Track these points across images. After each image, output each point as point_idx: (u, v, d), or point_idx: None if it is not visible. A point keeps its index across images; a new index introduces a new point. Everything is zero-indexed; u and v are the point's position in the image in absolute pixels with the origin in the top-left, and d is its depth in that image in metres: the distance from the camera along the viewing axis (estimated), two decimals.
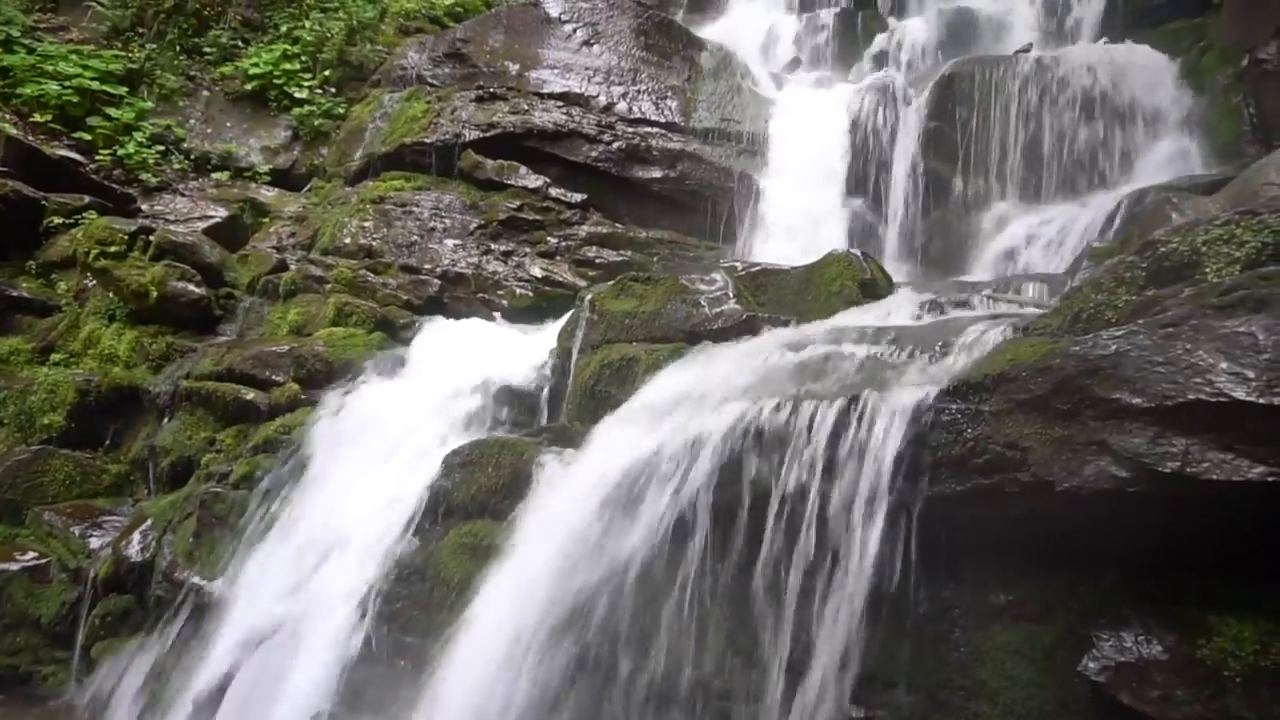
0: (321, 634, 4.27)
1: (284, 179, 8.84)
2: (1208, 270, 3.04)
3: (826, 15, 9.99)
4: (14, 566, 5.52)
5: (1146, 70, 7.08)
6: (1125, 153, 6.82)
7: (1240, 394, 2.52)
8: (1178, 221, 4.38)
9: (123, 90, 8.70)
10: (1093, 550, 2.88)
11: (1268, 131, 6.15)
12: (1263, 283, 2.69)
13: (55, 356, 6.70)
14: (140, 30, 9.50)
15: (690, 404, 3.57)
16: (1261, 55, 6.27)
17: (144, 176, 8.25)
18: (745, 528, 3.22)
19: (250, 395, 5.87)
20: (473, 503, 4.30)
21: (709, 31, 9.54)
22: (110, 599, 5.38)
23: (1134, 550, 2.82)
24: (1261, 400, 2.49)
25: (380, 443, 5.01)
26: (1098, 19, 8.40)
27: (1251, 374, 2.53)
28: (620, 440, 3.66)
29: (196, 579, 5.05)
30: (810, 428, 3.15)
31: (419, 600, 4.21)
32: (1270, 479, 2.46)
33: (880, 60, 9.25)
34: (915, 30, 9.49)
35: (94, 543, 5.67)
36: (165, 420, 6.23)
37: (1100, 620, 2.80)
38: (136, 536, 5.47)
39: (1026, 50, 7.89)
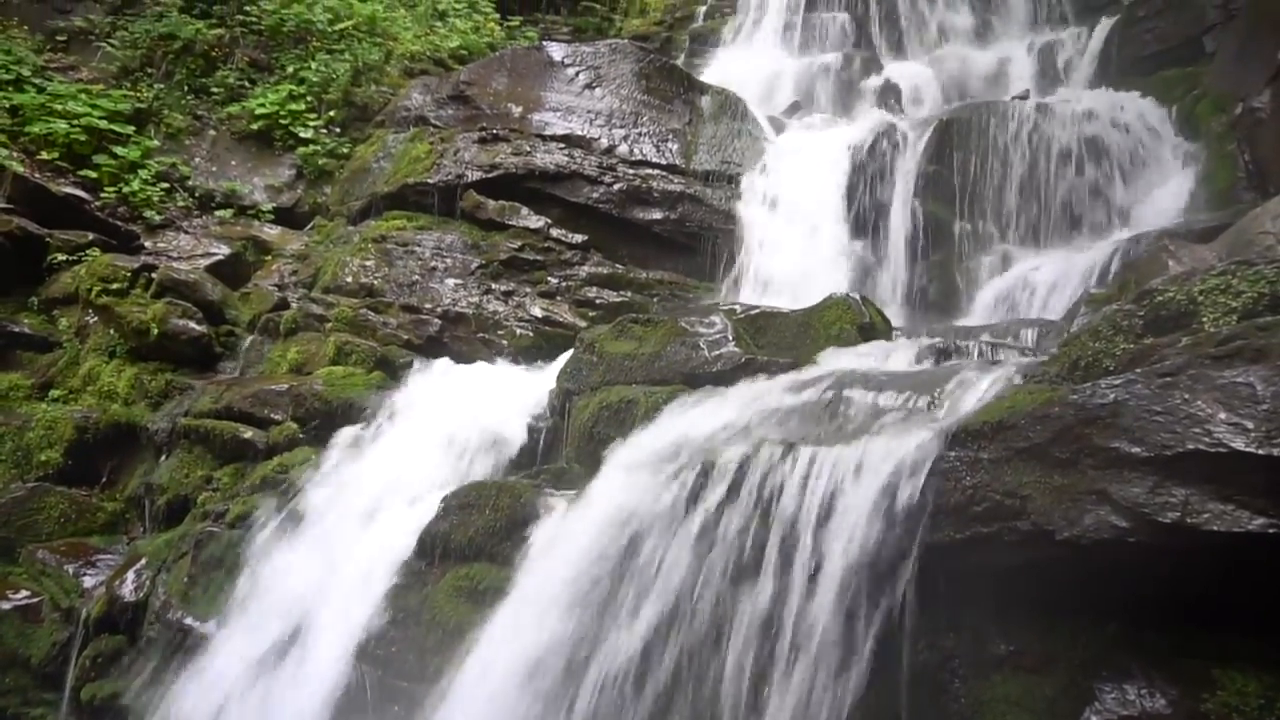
0: (313, 678, 4.22)
1: (287, 217, 8.89)
2: (1205, 319, 3.05)
3: (826, 59, 10.12)
4: (6, 605, 5.46)
5: (1142, 117, 7.17)
6: (1122, 198, 6.88)
7: (1239, 444, 2.52)
8: (1174, 269, 4.41)
9: (130, 129, 8.79)
10: (1094, 600, 2.85)
11: (1263, 178, 6.20)
12: (1260, 333, 2.70)
13: (54, 393, 6.70)
14: (149, 70, 9.63)
15: (688, 449, 3.56)
16: (1255, 103, 6.35)
17: (148, 214, 8.29)
18: (744, 577, 3.19)
19: (248, 434, 5.85)
20: (470, 545, 4.27)
21: (709, 75, 9.66)
22: (102, 639, 5.32)
23: (1135, 601, 2.80)
24: (1260, 451, 2.48)
25: (377, 485, 4.99)
26: (1093, 66, 8.53)
27: (1250, 424, 2.53)
28: (618, 487, 3.64)
29: (190, 620, 5.00)
30: (808, 475, 3.14)
31: (414, 644, 4.17)
32: (1271, 530, 2.45)
33: (879, 104, 9.36)
34: (914, 75, 9.62)
35: (87, 582, 5.62)
36: (162, 458, 6.20)
37: (1102, 672, 2.77)
38: (130, 576, 5.43)
39: (1024, 96, 7.99)
